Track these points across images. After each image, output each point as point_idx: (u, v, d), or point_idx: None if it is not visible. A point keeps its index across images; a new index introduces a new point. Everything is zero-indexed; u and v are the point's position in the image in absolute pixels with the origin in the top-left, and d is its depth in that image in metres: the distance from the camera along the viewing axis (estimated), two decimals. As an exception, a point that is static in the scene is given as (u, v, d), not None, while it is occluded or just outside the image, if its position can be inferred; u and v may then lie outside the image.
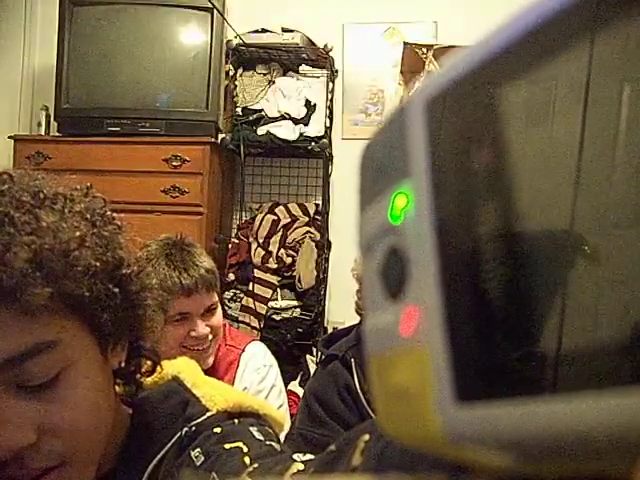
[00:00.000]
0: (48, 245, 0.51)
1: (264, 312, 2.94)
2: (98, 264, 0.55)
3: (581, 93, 0.17)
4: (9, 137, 3.05)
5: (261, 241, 3.01)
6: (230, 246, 3.05)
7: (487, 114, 0.20)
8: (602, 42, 0.16)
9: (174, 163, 2.87)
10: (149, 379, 0.69)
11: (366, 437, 0.33)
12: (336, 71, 3.12)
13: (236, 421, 0.64)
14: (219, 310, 1.64)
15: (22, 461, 0.51)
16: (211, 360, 1.64)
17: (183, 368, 0.71)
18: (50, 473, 0.53)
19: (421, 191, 0.21)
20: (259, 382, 1.75)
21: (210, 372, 1.65)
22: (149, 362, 0.67)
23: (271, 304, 2.94)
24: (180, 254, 1.54)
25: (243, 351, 1.77)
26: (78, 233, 0.54)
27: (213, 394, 0.67)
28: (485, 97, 0.20)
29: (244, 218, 3.12)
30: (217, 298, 1.62)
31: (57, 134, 3.04)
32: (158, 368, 0.68)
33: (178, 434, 0.63)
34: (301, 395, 2.58)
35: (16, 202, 0.53)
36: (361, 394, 1.22)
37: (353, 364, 1.26)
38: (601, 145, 0.16)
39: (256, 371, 1.76)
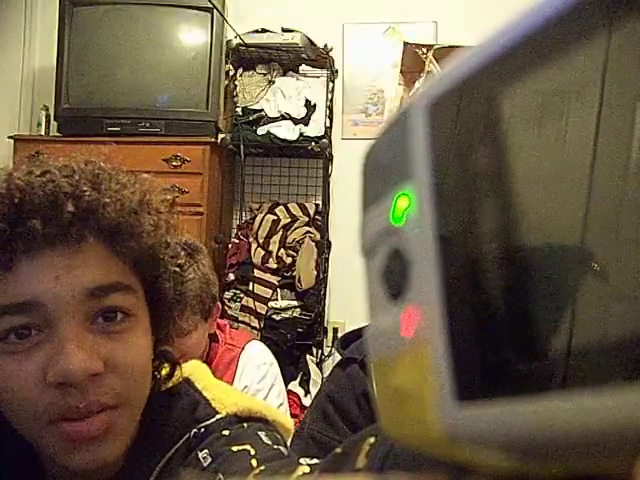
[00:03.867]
0: (135, 200, 0.61)
1: (264, 312, 2.94)
2: (162, 231, 0.63)
3: (595, 97, 0.16)
4: (9, 137, 3.04)
5: (261, 241, 3.01)
6: (230, 246, 3.05)
7: (490, 117, 0.20)
8: (616, 44, 0.16)
9: (174, 163, 2.86)
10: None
11: (372, 439, 0.33)
12: (336, 71, 3.12)
13: (245, 425, 0.65)
14: (196, 335, 1.53)
15: (86, 391, 0.55)
16: None
17: (194, 370, 0.72)
18: (106, 411, 0.57)
19: (423, 193, 0.21)
20: (259, 380, 1.75)
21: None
22: (166, 369, 0.68)
23: (271, 304, 2.94)
24: None
25: (242, 350, 1.77)
26: (147, 196, 0.64)
27: (223, 397, 0.67)
28: (488, 100, 0.20)
29: (244, 218, 3.12)
30: (196, 322, 1.52)
31: (57, 134, 3.04)
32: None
33: (187, 435, 0.64)
34: (313, 394, 2.58)
35: (95, 168, 0.62)
36: None
37: None
38: (615, 151, 0.16)
39: (257, 369, 1.75)
